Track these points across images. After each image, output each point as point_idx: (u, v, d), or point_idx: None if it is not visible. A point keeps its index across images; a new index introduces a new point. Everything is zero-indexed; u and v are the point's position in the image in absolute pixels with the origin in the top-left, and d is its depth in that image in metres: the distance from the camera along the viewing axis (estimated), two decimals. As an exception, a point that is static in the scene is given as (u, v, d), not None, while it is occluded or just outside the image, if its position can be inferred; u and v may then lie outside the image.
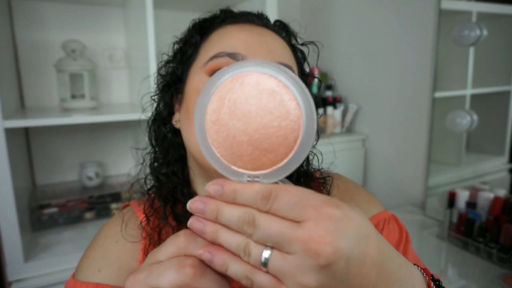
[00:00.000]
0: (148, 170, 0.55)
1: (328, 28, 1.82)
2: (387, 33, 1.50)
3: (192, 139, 0.46)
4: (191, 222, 0.29)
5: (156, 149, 0.54)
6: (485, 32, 1.21)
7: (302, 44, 0.55)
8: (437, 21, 1.29)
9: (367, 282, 0.27)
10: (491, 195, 1.13)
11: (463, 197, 1.19)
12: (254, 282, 0.27)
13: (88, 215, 1.31)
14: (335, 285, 0.26)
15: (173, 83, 0.52)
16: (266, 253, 0.26)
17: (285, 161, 0.28)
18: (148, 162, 0.55)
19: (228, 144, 0.28)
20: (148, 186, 0.55)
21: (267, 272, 0.27)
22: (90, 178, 1.40)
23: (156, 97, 0.55)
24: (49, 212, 1.25)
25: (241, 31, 0.47)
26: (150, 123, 0.55)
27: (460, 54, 1.33)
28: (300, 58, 0.54)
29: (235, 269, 0.28)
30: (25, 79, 1.37)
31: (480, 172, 1.38)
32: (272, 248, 0.27)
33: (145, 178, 0.55)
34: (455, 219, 1.16)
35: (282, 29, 0.53)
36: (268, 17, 0.53)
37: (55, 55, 1.36)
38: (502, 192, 1.18)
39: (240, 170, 0.28)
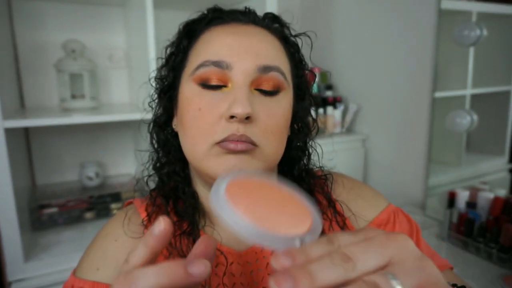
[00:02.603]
0: (150, 169, 0.56)
1: (328, 28, 1.82)
2: (387, 33, 1.50)
3: (188, 147, 0.48)
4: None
5: (159, 151, 0.55)
6: (485, 32, 1.21)
7: (295, 36, 0.55)
8: (437, 21, 1.29)
9: None
10: (491, 195, 1.13)
11: (463, 197, 1.19)
12: None
13: (88, 215, 1.31)
14: None
15: (167, 89, 0.53)
16: (394, 281, 0.23)
17: (314, 216, 0.30)
18: (150, 162, 0.56)
19: (251, 206, 0.29)
20: (151, 186, 0.56)
21: None
22: (90, 178, 1.40)
23: (154, 102, 0.56)
24: (49, 212, 1.25)
25: (226, 35, 0.47)
26: (150, 128, 0.56)
27: (460, 54, 1.33)
28: (293, 51, 0.53)
29: None
30: (25, 79, 1.37)
31: (480, 172, 1.38)
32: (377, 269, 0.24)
33: (147, 177, 0.56)
34: (455, 219, 1.16)
35: (272, 21, 0.52)
36: (255, 12, 0.52)
37: (55, 55, 1.36)
38: (502, 192, 1.18)
39: (288, 235, 0.28)
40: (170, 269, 0.26)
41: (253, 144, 0.44)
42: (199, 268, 0.27)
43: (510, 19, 1.27)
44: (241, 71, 0.45)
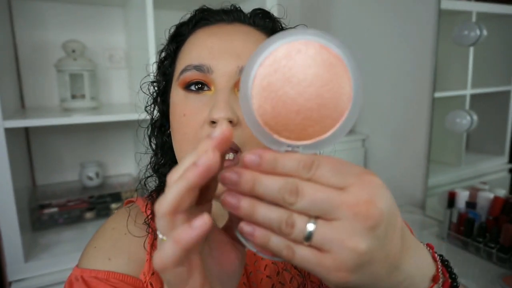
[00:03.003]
0: (150, 171, 0.56)
1: (328, 27, 1.81)
2: (387, 33, 1.50)
3: (177, 153, 0.48)
4: (223, 197, 0.28)
5: (158, 153, 0.55)
6: (484, 32, 1.21)
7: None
8: (437, 21, 1.29)
9: (396, 247, 0.28)
10: (491, 195, 1.12)
11: (463, 197, 1.19)
12: (295, 254, 0.27)
13: (88, 215, 1.31)
14: (377, 250, 0.26)
15: (161, 94, 0.53)
16: (310, 226, 0.26)
17: (329, 133, 0.27)
18: (150, 164, 0.56)
19: (276, 112, 0.27)
20: (151, 186, 0.56)
21: (309, 246, 0.26)
22: (90, 178, 1.40)
23: (150, 107, 0.56)
24: (49, 212, 1.25)
25: (208, 37, 0.46)
26: (149, 131, 0.56)
27: (460, 54, 1.33)
28: None
29: (276, 242, 0.27)
30: (25, 79, 1.37)
31: (480, 172, 1.38)
32: (316, 218, 0.26)
33: (145, 179, 0.56)
34: (455, 219, 1.16)
35: (261, 17, 0.51)
36: (240, 9, 0.51)
37: (55, 55, 1.36)
38: (502, 192, 1.18)
39: (281, 139, 0.27)
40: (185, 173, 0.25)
41: (236, 150, 0.43)
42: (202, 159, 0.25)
43: (510, 19, 1.27)
44: (222, 73, 0.44)
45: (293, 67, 0.27)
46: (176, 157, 0.49)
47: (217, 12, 0.50)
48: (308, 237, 0.26)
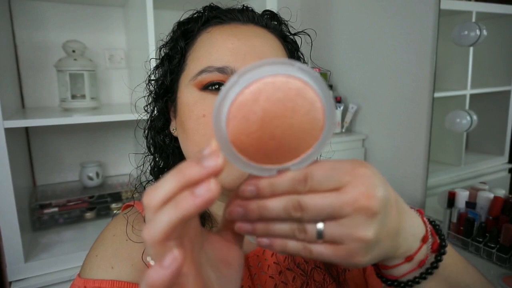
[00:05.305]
0: (147, 174, 0.55)
1: (328, 27, 1.82)
2: (387, 33, 1.50)
3: (191, 154, 0.46)
4: (238, 227, 0.30)
5: (156, 156, 0.54)
6: (484, 32, 1.21)
7: (294, 34, 0.54)
8: (437, 21, 1.29)
9: (395, 220, 0.31)
10: (490, 195, 1.13)
11: (462, 197, 1.19)
12: (312, 251, 0.29)
13: (89, 215, 1.31)
14: (382, 231, 0.29)
15: (164, 93, 0.51)
16: (320, 225, 0.28)
17: (312, 149, 0.28)
18: (147, 167, 0.55)
19: (255, 149, 0.27)
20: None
21: (323, 242, 0.29)
22: (90, 178, 1.40)
23: (149, 106, 0.54)
24: (49, 212, 1.25)
25: (227, 38, 0.46)
26: (146, 132, 0.54)
27: (460, 54, 1.33)
28: (292, 49, 0.53)
29: (293, 245, 0.30)
30: (25, 79, 1.37)
31: (480, 172, 1.38)
32: (323, 220, 0.28)
33: (147, 183, 0.55)
34: (454, 219, 1.16)
35: (271, 19, 0.51)
36: (253, 10, 0.51)
37: (55, 55, 1.36)
38: (501, 192, 1.18)
39: (269, 166, 0.28)
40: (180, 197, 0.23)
41: None
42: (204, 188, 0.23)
43: (510, 19, 1.27)
44: None
45: (260, 108, 0.26)
46: (190, 159, 0.47)
47: (231, 11, 0.50)
48: (320, 236, 0.28)
